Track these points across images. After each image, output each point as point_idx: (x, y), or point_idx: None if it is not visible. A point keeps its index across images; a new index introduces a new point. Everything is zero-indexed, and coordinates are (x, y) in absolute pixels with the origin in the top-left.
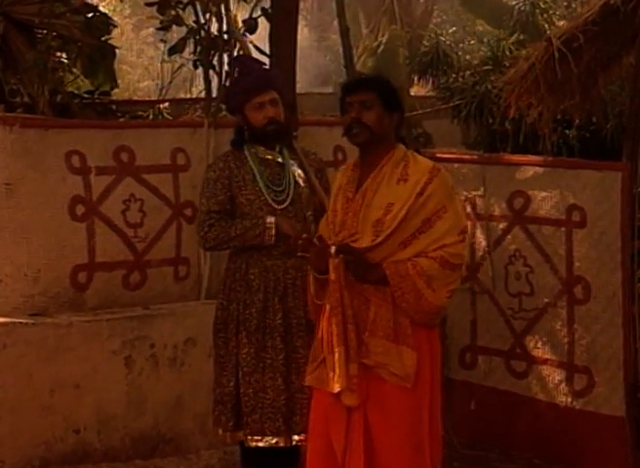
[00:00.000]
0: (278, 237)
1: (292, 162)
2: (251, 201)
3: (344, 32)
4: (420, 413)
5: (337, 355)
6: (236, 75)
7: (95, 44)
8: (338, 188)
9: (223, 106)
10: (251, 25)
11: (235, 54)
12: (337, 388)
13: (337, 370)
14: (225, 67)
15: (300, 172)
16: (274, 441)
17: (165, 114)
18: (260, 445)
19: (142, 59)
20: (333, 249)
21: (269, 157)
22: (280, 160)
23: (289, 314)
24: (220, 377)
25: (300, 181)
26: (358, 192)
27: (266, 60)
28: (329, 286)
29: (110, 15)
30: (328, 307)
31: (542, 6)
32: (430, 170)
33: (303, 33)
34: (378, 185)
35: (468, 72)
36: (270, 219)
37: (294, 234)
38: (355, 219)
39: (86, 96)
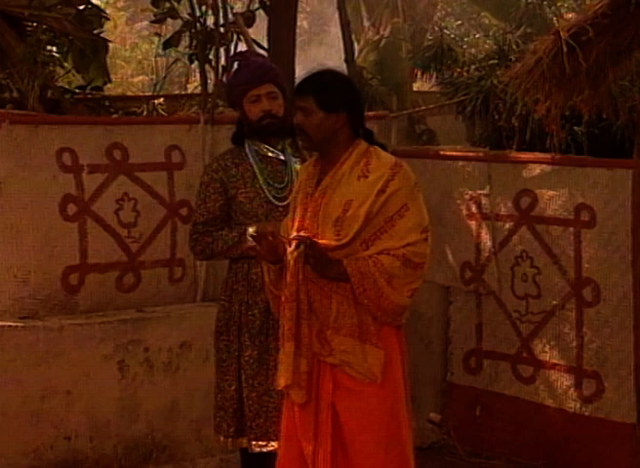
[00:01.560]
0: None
1: (294, 160)
2: (251, 199)
3: (345, 25)
4: (397, 414)
5: (286, 349)
6: (235, 68)
7: (87, 37)
8: (299, 184)
9: (220, 102)
10: (248, 18)
11: (232, 47)
12: (282, 383)
13: (283, 365)
14: (222, 62)
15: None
16: None
17: (159, 110)
18: (265, 450)
19: (136, 54)
20: (293, 243)
21: (271, 154)
22: (282, 157)
23: None
24: (221, 382)
25: None
26: (317, 190)
27: (265, 55)
28: (285, 277)
29: (103, 7)
30: (282, 299)
31: None
32: (392, 166)
33: (303, 26)
34: (337, 183)
35: (473, 67)
36: (251, 233)
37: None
38: (315, 219)
39: (77, 91)
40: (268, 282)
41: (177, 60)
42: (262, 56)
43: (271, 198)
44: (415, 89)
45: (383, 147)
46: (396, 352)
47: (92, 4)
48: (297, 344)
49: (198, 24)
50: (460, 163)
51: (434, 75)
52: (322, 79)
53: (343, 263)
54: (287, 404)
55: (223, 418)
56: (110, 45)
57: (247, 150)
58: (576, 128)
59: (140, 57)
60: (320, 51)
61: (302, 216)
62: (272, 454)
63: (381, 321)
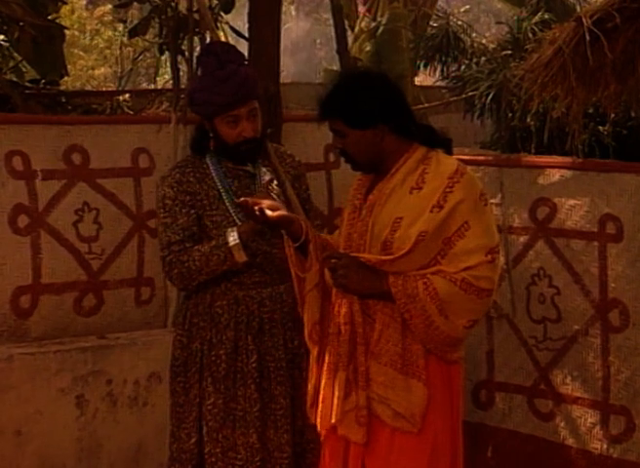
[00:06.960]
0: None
1: (264, 170)
2: (217, 223)
3: (337, 11)
4: None
5: (338, 379)
6: (207, 72)
7: (40, 24)
8: (350, 193)
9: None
10: (226, 3)
11: (208, 38)
12: (333, 418)
13: (333, 399)
14: (196, 53)
15: (275, 183)
16: None
17: (125, 108)
18: None
19: (98, 42)
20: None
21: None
22: (250, 170)
23: (265, 356)
24: (177, 431)
25: (274, 195)
26: (364, 206)
27: (245, 45)
28: (332, 295)
29: None
30: (332, 323)
31: None
32: (451, 174)
33: (289, 12)
34: (386, 197)
35: (484, 58)
36: (233, 237)
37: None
38: (362, 241)
39: (30, 85)
40: (293, 262)
41: (145, 51)
42: (237, 53)
43: (239, 222)
44: (416, 83)
45: (448, 146)
46: (444, 395)
47: None
48: (353, 374)
49: (169, 10)
50: (469, 168)
51: (439, 68)
52: (345, 95)
53: (388, 282)
54: (328, 449)
55: None
56: (68, 32)
57: (208, 162)
58: (600, 128)
59: (102, 46)
60: (309, 40)
61: (349, 236)
62: None
63: (432, 351)
